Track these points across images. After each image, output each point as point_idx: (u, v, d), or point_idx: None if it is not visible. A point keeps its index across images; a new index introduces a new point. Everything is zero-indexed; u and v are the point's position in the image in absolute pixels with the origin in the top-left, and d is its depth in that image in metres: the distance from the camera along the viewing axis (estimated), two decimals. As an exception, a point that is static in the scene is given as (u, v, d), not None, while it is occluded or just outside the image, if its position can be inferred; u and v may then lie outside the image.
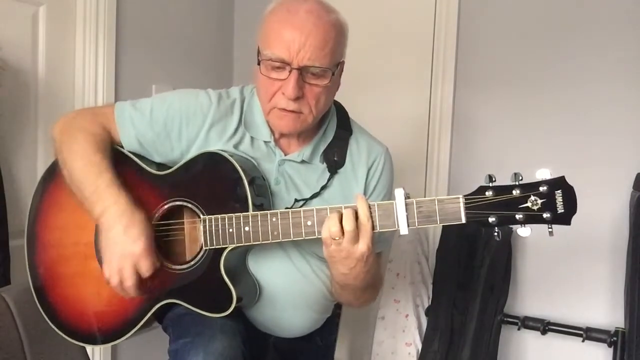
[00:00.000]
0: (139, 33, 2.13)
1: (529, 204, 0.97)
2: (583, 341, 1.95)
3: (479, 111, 2.20)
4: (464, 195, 1.00)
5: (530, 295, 2.13)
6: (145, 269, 1.12)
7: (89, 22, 1.94)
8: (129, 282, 1.11)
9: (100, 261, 1.23)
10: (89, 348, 1.41)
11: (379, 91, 2.38)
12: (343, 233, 1.02)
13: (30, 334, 1.30)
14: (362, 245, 1.04)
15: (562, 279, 2.07)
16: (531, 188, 0.97)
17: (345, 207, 1.05)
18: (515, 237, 2.09)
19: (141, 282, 1.13)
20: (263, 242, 1.11)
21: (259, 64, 1.17)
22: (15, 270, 1.65)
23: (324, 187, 1.24)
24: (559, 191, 0.97)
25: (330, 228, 1.03)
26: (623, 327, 1.90)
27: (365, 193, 1.29)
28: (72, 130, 1.22)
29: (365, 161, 1.29)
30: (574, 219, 1.92)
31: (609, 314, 1.99)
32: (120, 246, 1.11)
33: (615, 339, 1.89)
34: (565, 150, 2.01)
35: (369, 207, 1.04)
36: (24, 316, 1.30)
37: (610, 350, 1.91)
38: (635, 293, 1.78)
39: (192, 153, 1.23)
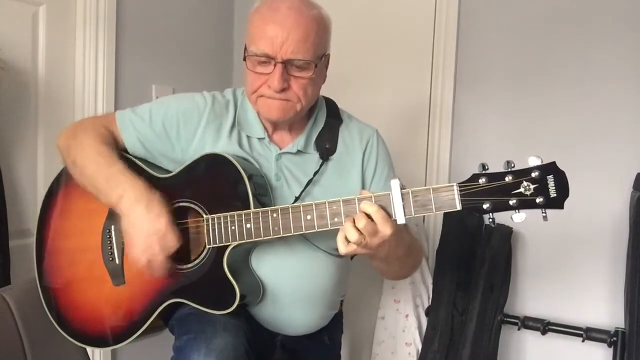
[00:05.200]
0: (139, 33, 2.13)
1: (521, 190, 0.99)
2: (583, 341, 1.95)
3: (479, 108, 2.20)
4: (458, 183, 1.02)
5: (530, 295, 2.13)
6: (172, 243, 1.14)
7: (89, 22, 1.94)
8: (159, 257, 1.14)
9: (105, 261, 1.26)
10: (89, 348, 1.42)
11: (380, 86, 2.38)
12: (362, 233, 1.04)
13: (30, 334, 1.31)
14: (387, 230, 1.04)
15: (562, 279, 2.07)
16: (523, 174, 1.00)
17: (343, 200, 1.07)
18: (515, 237, 2.09)
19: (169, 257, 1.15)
20: (265, 238, 1.13)
21: (245, 59, 1.22)
22: (15, 270, 1.65)
23: (316, 173, 1.27)
24: (550, 176, 0.99)
25: (351, 238, 1.04)
26: (623, 327, 1.90)
27: (365, 176, 1.34)
28: (77, 134, 1.27)
29: (359, 144, 1.34)
30: (575, 218, 1.91)
31: (609, 314, 1.99)
32: (144, 226, 1.13)
33: (615, 339, 1.89)
34: (565, 149, 2.01)
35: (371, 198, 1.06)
36: (25, 316, 1.30)
37: (610, 350, 1.91)
38: (635, 293, 1.78)
39: (192, 151, 1.27)
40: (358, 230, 1.03)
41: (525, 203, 0.99)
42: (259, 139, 1.30)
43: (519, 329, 2.05)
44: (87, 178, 1.22)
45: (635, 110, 1.94)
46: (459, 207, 1.02)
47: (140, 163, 1.28)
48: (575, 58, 2.03)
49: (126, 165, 1.21)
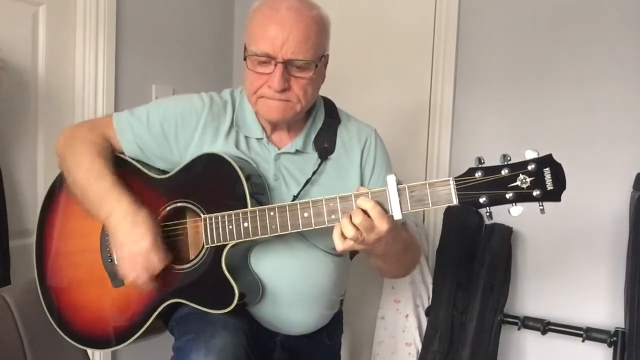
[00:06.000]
0: (139, 33, 2.13)
1: (518, 183, 0.99)
2: (583, 341, 1.95)
3: (479, 108, 2.20)
4: (454, 177, 1.02)
5: (530, 295, 2.13)
6: (156, 264, 1.15)
7: (89, 22, 1.94)
8: (143, 278, 1.15)
9: (105, 262, 1.26)
10: (89, 349, 1.42)
11: (380, 87, 2.38)
12: (358, 228, 1.04)
13: (30, 334, 1.31)
14: (383, 225, 1.04)
15: (562, 279, 2.07)
16: (519, 167, 0.99)
17: (340, 197, 1.07)
18: (515, 237, 2.09)
19: (155, 275, 1.16)
20: (262, 236, 1.13)
21: (245, 59, 1.22)
22: (15, 270, 1.65)
23: (315, 173, 1.27)
24: (547, 169, 0.98)
25: (347, 234, 1.04)
26: (623, 327, 1.90)
27: (364, 176, 1.34)
28: (73, 141, 1.27)
29: (357, 144, 1.34)
30: (574, 217, 1.91)
31: (609, 314, 1.99)
32: (128, 246, 1.14)
33: (615, 339, 1.89)
34: (565, 149, 1.97)
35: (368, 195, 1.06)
36: (25, 316, 1.31)
37: (610, 350, 1.91)
38: (635, 293, 1.78)
39: (190, 153, 1.27)
40: (354, 226, 1.03)
41: (522, 196, 0.99)
42: (257, 139, 1.30)
43: (519, 329, 2.05)
44: (78, 190, 1.23)
45: (635, 110, 1.94)
46: (455, 201, 1.01)
47: (137, 164, 1.28)
48: (575, 58, 2.02)
49: (116, 179, 1.20)
